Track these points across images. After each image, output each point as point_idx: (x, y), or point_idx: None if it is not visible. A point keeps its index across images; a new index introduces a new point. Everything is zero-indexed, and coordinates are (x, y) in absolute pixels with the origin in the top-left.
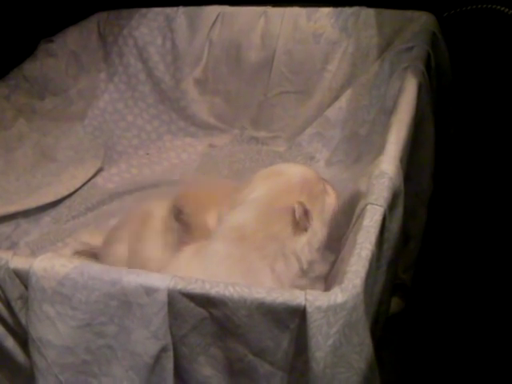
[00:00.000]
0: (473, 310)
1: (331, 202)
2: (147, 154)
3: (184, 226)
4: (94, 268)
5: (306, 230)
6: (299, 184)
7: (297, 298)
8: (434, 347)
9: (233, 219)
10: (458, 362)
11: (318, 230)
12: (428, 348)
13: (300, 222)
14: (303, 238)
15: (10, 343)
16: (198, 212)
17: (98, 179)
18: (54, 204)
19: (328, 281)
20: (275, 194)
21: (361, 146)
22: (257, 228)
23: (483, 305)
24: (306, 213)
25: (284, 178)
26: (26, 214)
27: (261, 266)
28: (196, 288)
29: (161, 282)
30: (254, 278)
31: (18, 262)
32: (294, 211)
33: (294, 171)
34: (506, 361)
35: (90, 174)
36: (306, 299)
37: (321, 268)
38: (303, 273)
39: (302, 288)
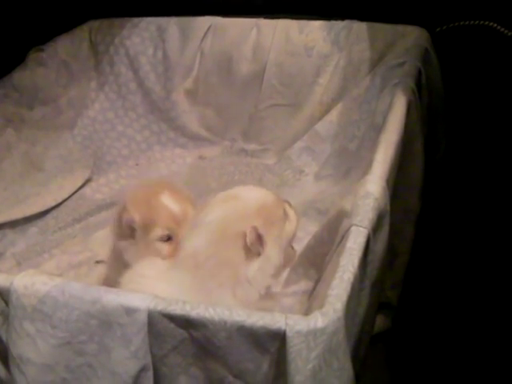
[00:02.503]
0: (461, 328)
1: (291, 228)
2: (136, 164)
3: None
4: (74, 286)
5: (258, 255)
6: (256, 208)
7: (277, 322)
8: (420, 366)
9: (188, 245)
10: (446, 381)
11: (273, 255)
12: (415, 367)
13: (251, 247)
14: (255, 264)
15: None
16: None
17: (87, 190)
18: (42, 215)
19: (310, 300)
20: (230, 218)
21: (350, 161)
22: (210, 254)
23: (471, 322)
24: (258, 238)
25: (241, 202)
26: (12, 224)
27: (220, 293)
28: (176, 309)
29: (141, 302)
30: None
31: None
32: (246, 236)
33: (252, 195)
34: (494, 375)
35: (78, 185)
36: (286, 323)
37: (304, 285)
38: (264, 296)
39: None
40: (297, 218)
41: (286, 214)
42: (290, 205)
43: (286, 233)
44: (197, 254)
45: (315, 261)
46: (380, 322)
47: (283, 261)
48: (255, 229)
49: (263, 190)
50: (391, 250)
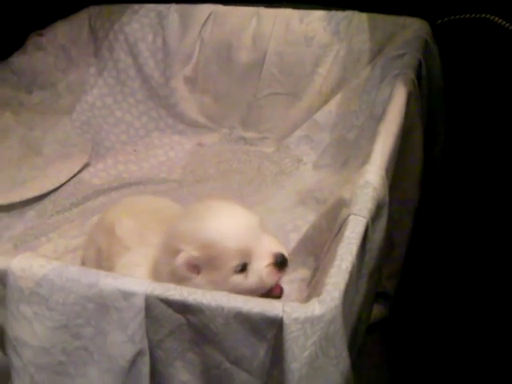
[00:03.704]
0: (458, 318)
1: (248, 284)
2: (134, 150)
3: None
4: (71, 270)
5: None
6: (209, 241)
7: (274, 308)
8: (416, 357)
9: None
10: (443, 370)
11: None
12: (411, 358)
13: (177, 270)
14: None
15: None
16: None
17: (84, 174)
18: (39, 198)
19: (309, 288)
20: (181, 232)
21: (349, 151)
22: (156, 256)
23: (468, 312)
24: (190, 266)
25: (206, 225)
26: (9, 207)
27: None
28: (174, 294)
29: (138, 286)
30: None
31: None
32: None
33: (225, 229)
34: (489, 366)
35: (76, 169)
36: (283, 310)
37: (302, 274)
38: None
39: None
40: (266, 279)
41: (249, 269)
42: (278, 261)
43: (237, 283)
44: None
45: (313, 249)
46: (377, 311)
47: None
48: (190, 258)
49: (245, 232)
50: (389, 241)
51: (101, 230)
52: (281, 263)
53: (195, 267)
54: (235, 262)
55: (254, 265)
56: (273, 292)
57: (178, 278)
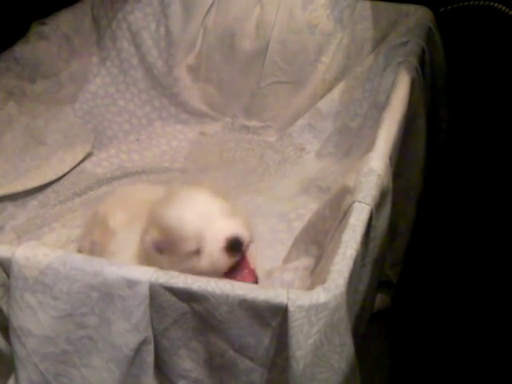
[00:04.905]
0: (459, 307)
1: (202, 264)
2: (137, 139)
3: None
4: (76, 258)
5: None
6: (170, 228)
7: (279, 296)
8: (419, 345)
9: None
10: (444, 359)
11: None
12: (413, 345)
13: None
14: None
15: None
16: None
17: (87, 164)
18: (42, 188)
19: (313, 276)
20: (149, 218)
21: (352, 140)
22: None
23: (472, 302)
24: (155, 247)
25: (168, 213)
26: (13, 197)
27: None
28: (178, 282)
29: (143, 274)
30: None
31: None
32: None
33: (182, 212)
34: (488, 352)
35: (78, 159)
36: (287, 298)
37: (305, 262)
38: None
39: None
40: (217, 263)
41: (202, 252)
42: (229, 246)
43: (192, 265)
44: None
45: (316, 237)
46: (380, 300)
47: None
48: (154, 239)
49: (199, 219)
50: (392, 229)
51: (95, 223)
52: (232, 247)
53: (159, 248)
54: (191, 247)
55: (206, 249)
56: (244, 280)
57: (148, 257)
